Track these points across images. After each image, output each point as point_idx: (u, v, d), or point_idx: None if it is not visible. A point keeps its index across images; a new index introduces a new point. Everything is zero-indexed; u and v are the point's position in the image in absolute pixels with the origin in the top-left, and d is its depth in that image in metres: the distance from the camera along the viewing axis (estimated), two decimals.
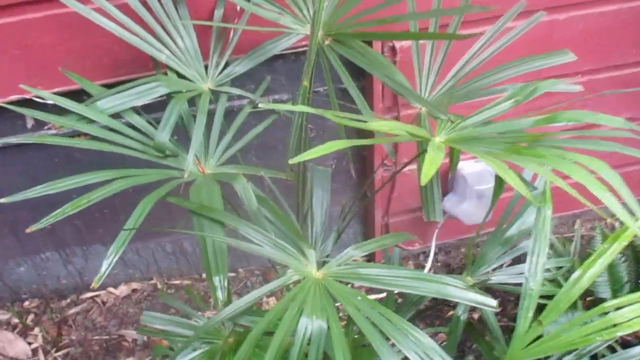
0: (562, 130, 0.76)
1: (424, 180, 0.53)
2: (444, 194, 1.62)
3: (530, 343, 0.89)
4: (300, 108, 0.78)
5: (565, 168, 0.59)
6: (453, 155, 1.02)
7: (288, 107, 0.78)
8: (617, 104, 1.55)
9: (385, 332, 0.70)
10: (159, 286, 1.65)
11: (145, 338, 1.52)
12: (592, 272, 0.87)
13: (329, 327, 0.69)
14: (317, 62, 0.90)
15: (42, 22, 1.05)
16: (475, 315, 1.53)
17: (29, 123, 1.22)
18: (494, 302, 0.77)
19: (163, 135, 0.91)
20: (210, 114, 0.98)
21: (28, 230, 0.75)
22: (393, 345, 0.70)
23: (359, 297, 0.74)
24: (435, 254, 1.82)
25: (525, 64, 0.92)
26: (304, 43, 1.18)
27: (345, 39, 0.91)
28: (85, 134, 1.17)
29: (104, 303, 1.60)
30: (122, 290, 1.63)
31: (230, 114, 1.10)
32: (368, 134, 1.37)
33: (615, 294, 1.47)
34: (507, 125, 0.75)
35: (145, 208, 0.81)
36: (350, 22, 0.90)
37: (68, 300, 1.61)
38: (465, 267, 1.04)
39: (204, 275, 1.69)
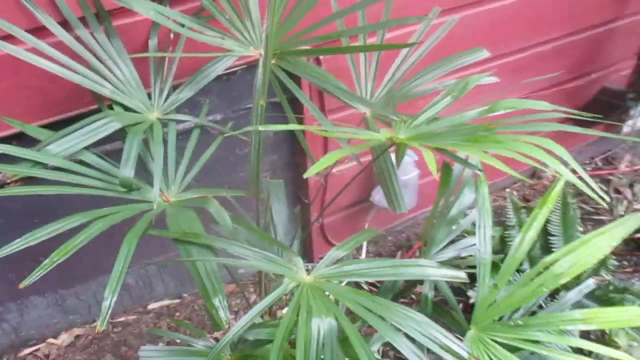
0: (498, 119, 0.89)
1: (431, 165, 0.61)
2: (372, 187, 1.74)
3: (490, 305, 1.01)
4: (293, 127, 0.82)
5: (523, 148, 0.71)
6: (399, 152, 1.11)
7: (283, 127, 0.82)
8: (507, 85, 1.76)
9: (387, 318, 0.77)
10: (103, 328, 1.58)
11: None
12: (530, 235, 1.01)
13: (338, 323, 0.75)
14: (260, 79, 0.95)
15: None
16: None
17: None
18: (464, 275, 0.88)
19: (127, 170, 0.90)
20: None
21: (21, 285, 0.72)
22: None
23: (353, 293, 0.81)
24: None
25: (451, 63, 1.05)
26: (237, 63, 1.22)
27: (289, 56, 0.97)
28: (21, 180, 1.13)
29: (46, 356, 1.51)
30: (64, 339, 1.55)
31: (179, 137, 1.10)
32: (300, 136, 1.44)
33: (528, 252, 1.69)
34: (456, 119, 0.85)
35: (132, 245, 0.80)
36: (292, 41, 0.96)
37: None
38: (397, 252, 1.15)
39: (149, 307, 1.65)
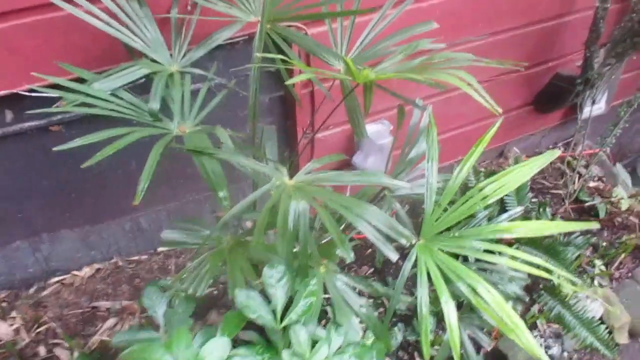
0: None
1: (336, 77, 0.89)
2: (352, 153, 2.02)
3: (436, 221, 1.29)
4: (305, 75, 1.09)
5: (442, 76, 0.98)
6: (366, 98, 1.38)
7: (303, 76, 1.09)
8: (471, 70, 2.04)
9: (353, 210, 1.04)
10: (120, 264, 1.85)
11: (118, 305, 1.72)
12: (467, 166, 1.29)
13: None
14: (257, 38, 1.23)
15: (27, 27, 1.26)
16: None
17: (8, 117, 1.40)
18: (408, 185, 1.16)
19: (154, 104, 1.18)
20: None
21: (84, 165, 0.98)
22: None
23: (325, 192, 1.08)
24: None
25: (408, 32, 1.33)
26: (239, 34, 1.50)
27: (281, 22, 1.25)
28: (59, 125, 1.41)
29: (71, 284, 1.77)
30: (86, 271, 1.81)
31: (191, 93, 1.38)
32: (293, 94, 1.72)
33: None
34: (405, 64, 1.14)
35: (158, 151, 1.07)
36: (285, 10, 1.24)
37: (35, 287, 1.76)
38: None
39: (158, 249, 1.92)
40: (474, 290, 1.17)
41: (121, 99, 1.21)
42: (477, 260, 1.41)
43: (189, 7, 1.39)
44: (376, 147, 1.93)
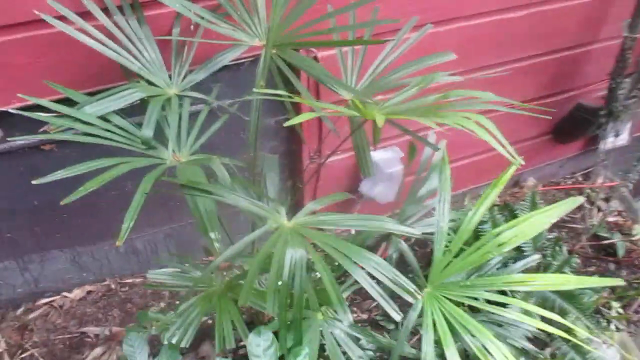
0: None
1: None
2: (360, 180, 1.93)
3: (445, 267, 1.19)
4: (308, 115, 1.01)
5: (459, 120, 0.90)
6: (375, 132, 1.29)
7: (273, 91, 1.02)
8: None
9: (351, 257, 0.95)
10: (112, 286, 1.77)
11: (107, 332, 1.64)
12: (481, 210, 1.20)
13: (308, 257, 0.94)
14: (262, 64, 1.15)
15: (18, 43, 1.19)
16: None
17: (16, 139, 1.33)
18: (418, 232, 1.07)
19: (148, 131, 1.11)
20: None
21: (63, 202, 0.90)
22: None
23: (325, 236, 0.99)
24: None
25: (422, 62, 1.24)
26: (244, 55, 1.42)
27: (287, 48, 1.17)
28: (51, 144, 1.34)
29: (60, 307, 1.70)
30: (77, 293, 1.74)
31: (190, 116, 1.30)
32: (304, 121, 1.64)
33: None
34: (417, 102, 1.05)
35: (148, 185, 0.99)
36: (292, 35, 1.16)
37: (23, 308, 1.68)
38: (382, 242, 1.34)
39: None
40: (483, 346, 1.08)
41: (113, 124, 1.14)
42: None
43: (192, 27, 1.32)
44: (385, 175, 1.83)
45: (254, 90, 1.13)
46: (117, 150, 1.10)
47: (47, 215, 1.52)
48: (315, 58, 1.51)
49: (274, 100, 1.63)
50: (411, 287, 0.97)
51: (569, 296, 1.78)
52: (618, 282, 1.13)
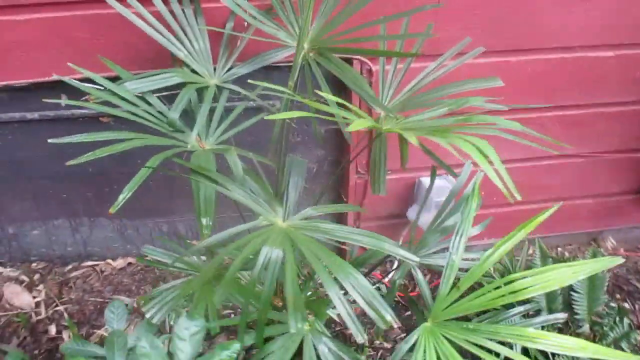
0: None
1: (351, 128, 0.76)
2: (409, 204, 1.86)
3: (450, 305, 1.10)
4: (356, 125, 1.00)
5: (459, 142, 0.83)
6: (402, 150, 1.23)
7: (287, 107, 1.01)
8: (563, 140, 1.79)
9: (330, 269, 0.91)
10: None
11: (134, 304, 1.72)
12: (501, 250, 1.09)
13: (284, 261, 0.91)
14: (303, 72, 1.15)
15: (83, 19, 1.31)
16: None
17: (63, 102, 1.46)
18: (416, 258, 1.00)
19: (174, 113, 1.15)
20: (213, 110, 1.23)
21: (69, 163, 0.97)
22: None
23: (312, 243, 0.96)
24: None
25: (462, 85, 1.17)
26: (290, 58, 1.44)
27: (325, 52, 1.17)
28: (109, 117, 1.43)
29: (102, 272, 1.81)
30: (119, 262, 1.84)
31: (229, 111, 1.34)
32: (346, 135, 1.62)
33: (549, 304, 1.69)
34: (435, 122, 0.99)
35: (156, 160, 1.03)
36: (331, 39, 1.15)
37: (70, 267, 1.82)
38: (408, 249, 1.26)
39: None
40: None
41: (149, 104, 1.20)
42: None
43: (245, 24, 1.36)
44: (433, 204, 1.75)
45: (282, 89, 1.13)
46: (156, 131, 1.16)
47: (98, 184, 1.64)
48: (370, 71, 1.49)
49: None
50: (388, 313, 0.91)
51: None
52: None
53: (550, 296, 1.67)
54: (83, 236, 1.78)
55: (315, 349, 1.11)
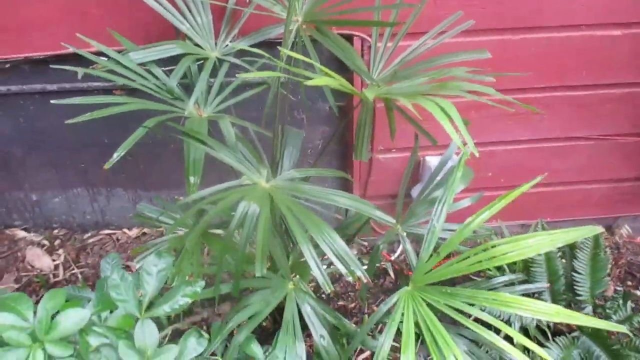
0: None
1: (310, 82, 0.81)
2: (414, 183, 1.88)
3: (430, 270, 1.13)
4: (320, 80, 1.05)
5: (424, 102, 0.86)
6: (389, 118, 1.26)
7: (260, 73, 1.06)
8: (572, 122, 1.78)
9: (307, 227, 0.96)
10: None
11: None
12: (480, 218, 1.11)
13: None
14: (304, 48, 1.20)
15: None
16: None
17: (80, 75, 1.55)
18: (393, 220, 1.03)
19: (173, 81, 1.22)
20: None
21: (68, 122, 1.04)
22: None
23: (292, 203, 1.01)
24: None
25: (451, 57, 1.20)
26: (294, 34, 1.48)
27: (318, 25, 1.21)
28: (122, 90, 1.51)
29: (118, 240, 1.91)
30: (135, 232, 1.94)
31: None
32: (350, 111, 1.66)
33: (552, 285, 1.68)
34: (412, 88, 1.02)
35: (152, 122, 1.10)
36: (325, 12, 1.20)
37: (89, 234, 1.93)
38: (396, 219, 1.29)
39: None
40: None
41: (152, 74, 1.28)
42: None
43: (248, 0, 1.41)
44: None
45: (272, 59, 1.18)
46: (158, 99, 1.23)
47: (110, 151, 1.73)
48: (370, 47, 1.52)
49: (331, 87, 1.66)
50: (359, 270, 0.95)
51: (617, 356, 1.56)
52: (620, 328, 0.98)
53: (553, 277, 1.66)
54: (100, 205, 1.88)
55: (299, 309, 1.16)
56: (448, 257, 1.14)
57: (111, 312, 0.85)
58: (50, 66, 1.34)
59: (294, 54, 1.01)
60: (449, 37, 1.25)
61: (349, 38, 1.52)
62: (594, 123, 1.79)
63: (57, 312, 0.77)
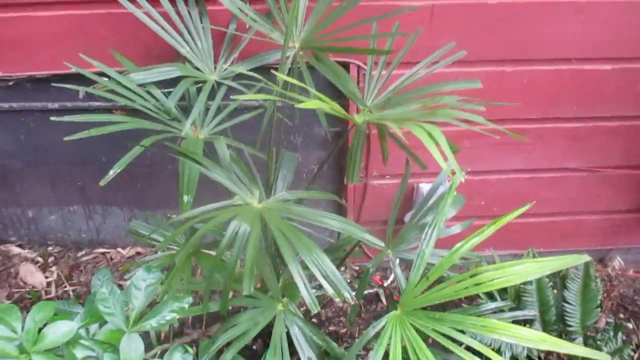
0: None
1: (302, 105, 0.83)
2: (408, 210, 1.89)
3: (421, 294, 1.14)
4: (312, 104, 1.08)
5: (413, 128, 0.88)
6: (382, 144, 1.28)
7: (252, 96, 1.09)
8: (564, 153, 1.80)
9: (297, 248, 0.97)
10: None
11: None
12: (470, 244, 1.13)
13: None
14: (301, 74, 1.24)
15: (100, 17, 1.43)
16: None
17: (81, 94, 1.59)
18: (382, 243, 1.05)
19: (171, 102, 1.25)
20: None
21: (66, 139, 1.07)
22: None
23: (282, 223, 1.03)
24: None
25: (443, 86, 1.23)
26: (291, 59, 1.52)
27: (315, 51, 1.25)
28: (123, 110, 1.54)
29: (111, 259, 1.92)
30: (128, 251, 1.95)
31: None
32: (345, 138, 1.69)
33: (544, 315, 1.68)
34: (403, 114, 1.05)
35: (149, 141, 1.12)
36: (322, 39, 1.23)
37: (83, 252, 1.93)
38: (386, 243, 1.31)
39: None
40: None
41: (152, 95, 1.31)
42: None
43: (247, 27, 1.45)
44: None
45: (268, 83, 1.21)
46: (156, 119, 1.26)
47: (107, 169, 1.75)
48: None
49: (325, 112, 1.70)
50: (346, 291, 0.96)
51: None
52: (606, 357, 0.99)
53: (544, 306, 1.67)
54: (96, 223, 1.89)
55: (287, 329, 1.16)
56: (438, 282, 1.15)
57: (100, 326, 0.85)
58: (52, 84, 1.37)
59: (289, 79, 1.04)
60: (442, 67, 1.29)
61: (345, 65, 1.56)
62: (585, 155, 1.82)
63: (46, 325, 0.78)
